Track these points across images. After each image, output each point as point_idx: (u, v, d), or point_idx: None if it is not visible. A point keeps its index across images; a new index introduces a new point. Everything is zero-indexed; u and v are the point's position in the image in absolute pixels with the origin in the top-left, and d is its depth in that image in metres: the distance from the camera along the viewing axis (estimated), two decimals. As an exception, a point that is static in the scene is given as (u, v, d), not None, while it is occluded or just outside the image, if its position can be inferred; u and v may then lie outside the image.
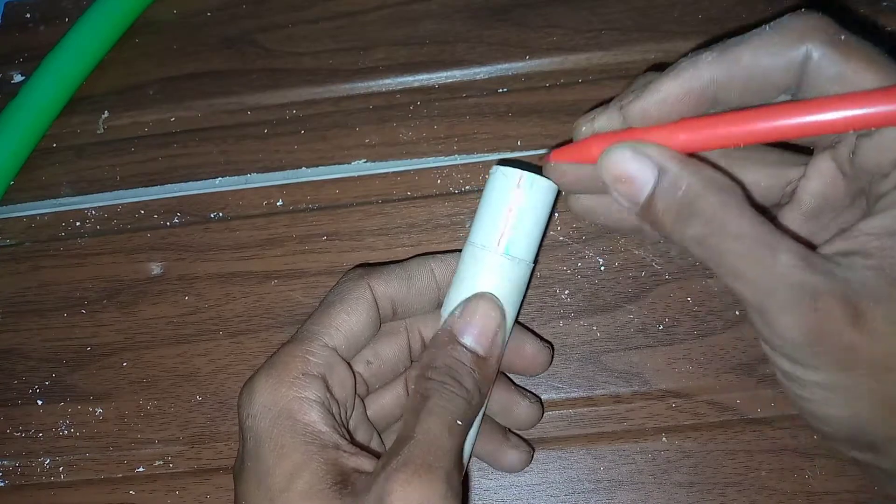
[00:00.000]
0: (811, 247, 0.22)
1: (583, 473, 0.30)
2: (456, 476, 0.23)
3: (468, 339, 0.26)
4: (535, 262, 0.28)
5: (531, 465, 0.31)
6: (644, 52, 0.36)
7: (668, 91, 0.22)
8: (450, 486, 0.22)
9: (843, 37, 0.21)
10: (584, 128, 0.25)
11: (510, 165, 0.27)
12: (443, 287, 0.28)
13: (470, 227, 0.28)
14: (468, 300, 0.26)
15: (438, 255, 0.29)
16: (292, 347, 0.26)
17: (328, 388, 0.25)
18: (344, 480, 0.23)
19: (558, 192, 0.27)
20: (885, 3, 0.36)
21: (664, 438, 0.30)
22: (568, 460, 0.31)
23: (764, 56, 0.22)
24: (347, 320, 0.26)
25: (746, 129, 0.21)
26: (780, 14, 0.22)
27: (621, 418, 0.31)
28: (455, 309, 0.26)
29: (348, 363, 0.27)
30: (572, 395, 0.32)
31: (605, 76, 0.36)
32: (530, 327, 0.32)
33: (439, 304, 0.28)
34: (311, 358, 0.25)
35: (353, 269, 0.30)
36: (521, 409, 0.29)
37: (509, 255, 0.26)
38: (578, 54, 0.37)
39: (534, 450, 0.30)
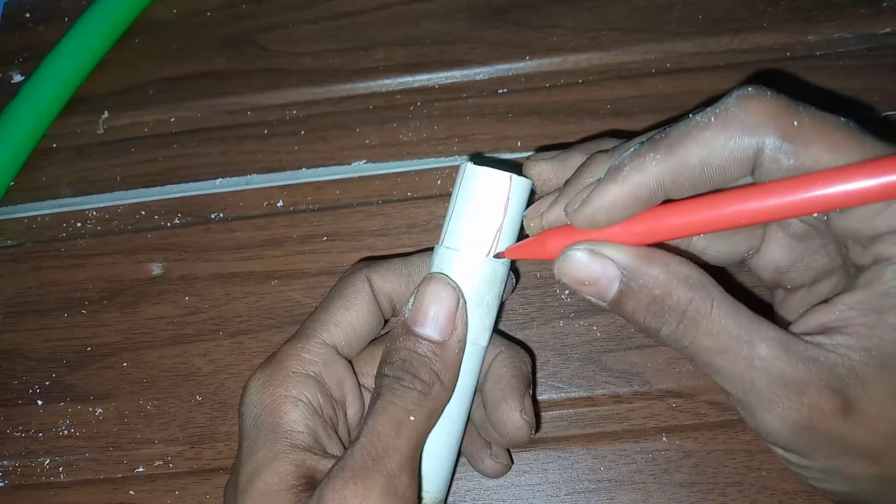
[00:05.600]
0: (784, 324, 0.21)
1: (583, 473, 0.30)
2: (404, 478, 0.22)
3: (421, 327, 0.24)
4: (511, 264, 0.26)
5: (531, 464, 0.31)
6: (644, 53, 0.36)
7: (615, 197, 0.21)
8: (388, 490, 0.21)
9: (796, 122, 0.19)
10: (532, 224, 0.24)
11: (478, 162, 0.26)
12: None
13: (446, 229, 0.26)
14: (418, 286, 0.25)
15: None
16: (289, 346, 0.26)
17: (323, 387, 0.25)
18: (308, 483, 0.23)
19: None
20: (885, 4, 0.36)
21: (665, 438, 0.30)
22: (568, 460, 0.31)
23: (713, 153, 0.20)
24: (346, 315, 0.26)
25: (705, 218, 0.20)
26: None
27: (622, 418, 0.31)
28: (408, 300, 0.25)
29: (349, 361, 0.27)
30: (572, 394, 0.32)
31: (606, 76, 0.36)
32: (530, 327, 0.32)
33: None
34: (305, 356, 0.25)
35: (356, 262, 0.29)
36: (485, 465, 0.28)
37: (456, 248, 0.25)
38: (578, 55, 0.37)
39: (512, 462, 0.30)
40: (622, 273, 0.21)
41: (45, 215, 0.37)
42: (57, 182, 0.38)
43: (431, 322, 0.24)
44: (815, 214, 0.21)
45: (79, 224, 0.37)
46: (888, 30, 0.35)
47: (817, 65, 0.35)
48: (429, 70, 0.38)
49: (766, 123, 0.20)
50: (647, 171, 0.21)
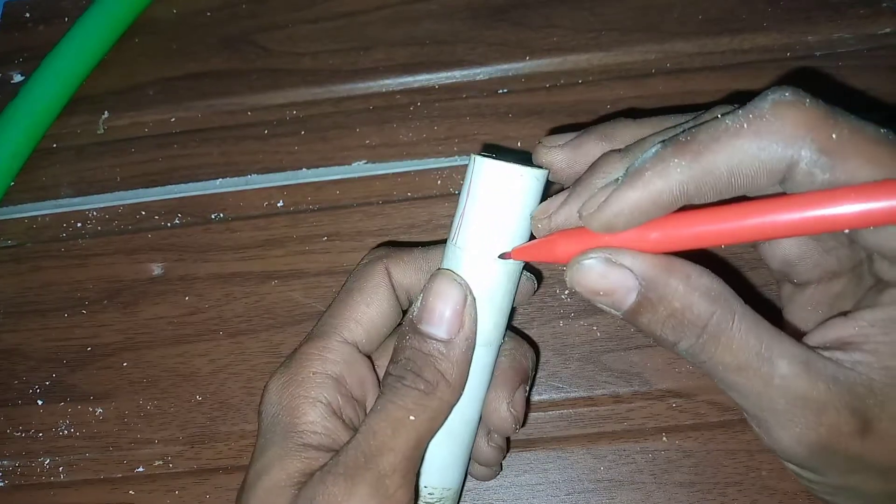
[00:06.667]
0: (790, 325, 0.20)
1: (583, 473, 0.30)
2: (397, 478, 0.22)
3: (427, 325, 0.23)
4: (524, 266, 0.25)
5: (531, 464, 0.31)
6: (644, 53, 0.36)
7: (634, 202, 0.20)
8: (377, 489, 0.21)
9: (834, 135, 0.18)
10: (540, 225, 0.23)
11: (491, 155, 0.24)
12: None
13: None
14: (425, 283, 0.24)
15: None
16: (310, 345, 0.25)
17: (344, 388, 0.25)
18: None
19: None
20: (885, 4, 0.36)
21: (665, 438, 0.30)
22: (568, 460, 0.31)
23: (743, 162, 0.19)
24: (366, 311, 0.26)
25: (730, 230, 0.19)
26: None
27: (621, 418, 0.31)
28: (417, 298, 0.24)
29: (369, 357, 0.26)
30: (572, 394, 0.32)
31: (605, 77, 0.36)
32: (530, 327, 0.32)
33: None
34: (327, 356, 0.25)
35: (376, 247, 0.29)
36: (480, 452, 0.28)
37: (461, 247, 0.24)
38: (578, 55, 0.37)
39: (501, 468, 0.30)
40: (640, 283, 0.20)
41: (46, 215, 0.37)
42: (57, 182, 0.38)
43: (437, 320, 0.23)
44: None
45: (79, 224, 0.37)
46: (888, 30, 0.35)
47: (817, 65, 0.35)
48: (429, 70, 0.38)
49: (803, 135, 0.18)
50: (671, 176, 0.19)
